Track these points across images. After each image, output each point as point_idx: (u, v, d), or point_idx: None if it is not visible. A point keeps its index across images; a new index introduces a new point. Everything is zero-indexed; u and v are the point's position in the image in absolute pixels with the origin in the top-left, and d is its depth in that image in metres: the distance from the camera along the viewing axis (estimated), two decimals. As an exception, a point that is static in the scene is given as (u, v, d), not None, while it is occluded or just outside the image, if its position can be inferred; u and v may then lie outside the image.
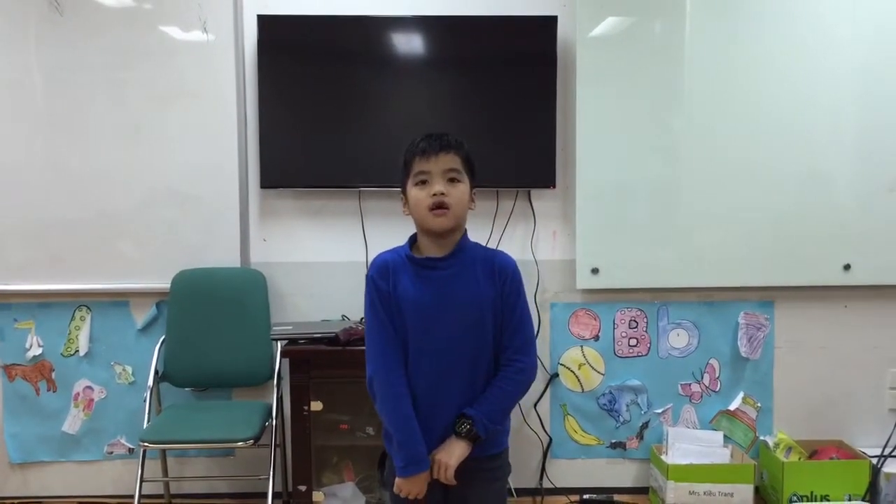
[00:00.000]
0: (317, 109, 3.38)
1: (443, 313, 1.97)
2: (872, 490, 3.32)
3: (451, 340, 1.98)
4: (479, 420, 1.96)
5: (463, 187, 1.98)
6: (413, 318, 1.98)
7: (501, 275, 2.02)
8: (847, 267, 3.44)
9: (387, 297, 1.99)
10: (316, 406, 3.03)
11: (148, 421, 3.20)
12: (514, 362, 2.02)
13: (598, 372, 3.57)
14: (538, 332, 3.51)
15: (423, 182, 1.95)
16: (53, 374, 3.52)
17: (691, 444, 3.42)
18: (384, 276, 2.01)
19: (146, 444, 2.97)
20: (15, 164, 3.38)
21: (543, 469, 3.58)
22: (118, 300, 3.49)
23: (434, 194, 1.92)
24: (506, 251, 3.36)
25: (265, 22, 3.35)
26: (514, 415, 3.50)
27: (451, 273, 1.99)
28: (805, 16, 3.37)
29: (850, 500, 3.29)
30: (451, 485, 1.95)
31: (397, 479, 1.97)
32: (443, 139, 1.96)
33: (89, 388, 3.53)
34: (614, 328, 3.56)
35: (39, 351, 3.50)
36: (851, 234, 3.42)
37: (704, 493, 3.28)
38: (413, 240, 2.07)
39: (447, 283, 1.98)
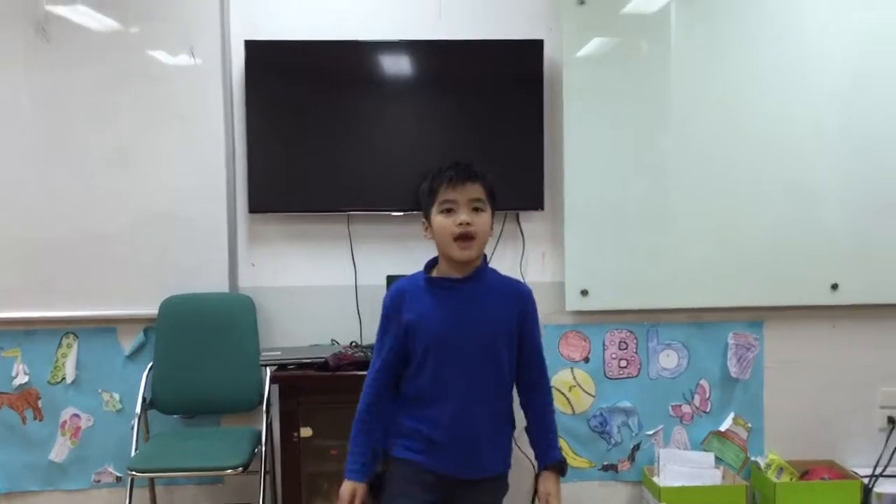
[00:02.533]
0: (305, 134, 3.38)
1: (465, 333, 2.04)
2: (864, 510, 3.33)
3: (475, 359, 2.05)
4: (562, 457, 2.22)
5: (486, 216, 2.05)
6: (434, 339, 2.04)
7: (522, 302, 2.12)
8: (835, 286, 3.45)
9: (395, 324, 2.10)
10: (306, 432, 3.01)
11: (136, 449, 3.16)
12: (541, 386, 2.22)
13: (589, 394, 3.56)
14: (528, 354, 3.51)
15: (450, 210, 2.01)
16: (40, 402, 3.48)
17: (683, 466, 3.41)
18: (395, 305, 2.11)
19: (134, 472, 2.95)
20: (2, 189, 3.36)
21: (536, 493, 3.55)
22: (105, 327, 3.47)
23: (460, 223, 1.98)
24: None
25: (252, 47, 3.35)
26: (506, 438, 3.50)
27: (471, 294, 2.07)
28: (790, 35, 3.40)
29: (842, 520, 3.30)
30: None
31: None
32: (469, 169, 2.04)
33: (76, 415, 3.49)
34: (604, 350, 3.56)
35: (26, 379, 3.47)
36: (839, 254, 3.44)
37: (697, 515, 3.28)
38: (430, 264, 2.14)
39: (468, 304, 2.06)
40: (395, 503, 2.15)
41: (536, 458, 2.23)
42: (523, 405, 2.22)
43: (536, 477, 2.24)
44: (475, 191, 2.03)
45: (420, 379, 2.08)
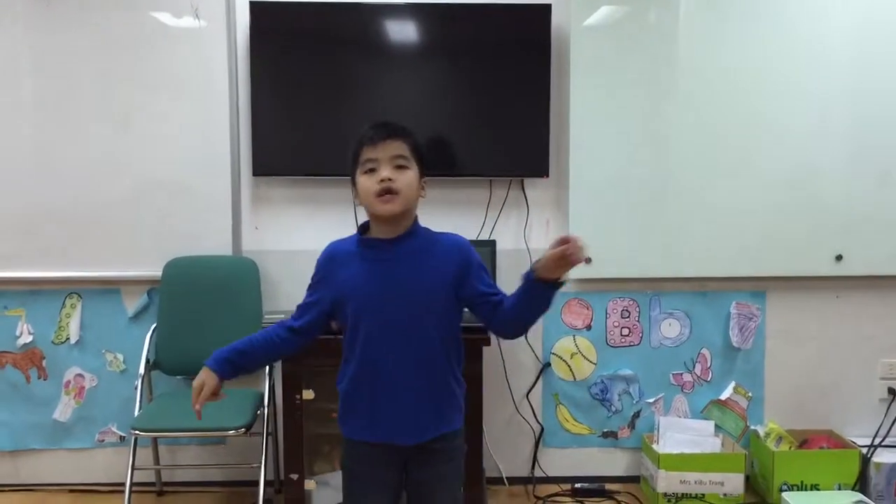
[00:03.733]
0: (309, 97, 3.36)
1: (399, 296, 1.97)
2: (862, 479, 3.34)
3: (412, 321, 1.98)
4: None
5: (411, 174, 1.96)
6: (365, 304, 1.99)
7: (460, 251, 2.04)
8: (839, 258, 3.44)
9: (323, 289, 2.07)
10: (308, 395, 3.03)
11: (139, 409, 3.19)
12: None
13: (590, 361, 3.57)
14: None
15: (371, 170, 1.94)
16: (44, 362, 3.51)
17: (682, 434, 3.43)
18: (327, 267, 2.08)
19: (137, 432, 2.97)
20: (4, 152, 3.36)
21: (535, 458, 3.58)
22: (109, 288, 3.48)
23: (381, 180, 1.92)
24: (500, 240, 3.41)
25: (258, 9, 3.33)
26: (506, 403, 3.53)
27: (404, 255, 2.00)
28: (798, 6, 3.37)
29: (840, 489, 3.31)
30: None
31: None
32: (389, 126, 1.97)
33: (80, 375, 3.52)
34: (606, 318, 3.57)
35: (30, 338, 3.49)
36: (843, 225, 3.43)
37: (695, 482, 3.29)
38: (365, 227, 2.08)
39: (400, 266, 1.99)
40: (353, 486, 2.12)
41: (526, 278, 1.97)
42: (506, 312, 2.00)
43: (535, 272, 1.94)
44: (397, 147, 1.95)
45: (355, 348, 2.02)
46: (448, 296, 2.02)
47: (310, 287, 2.11)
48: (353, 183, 2.01)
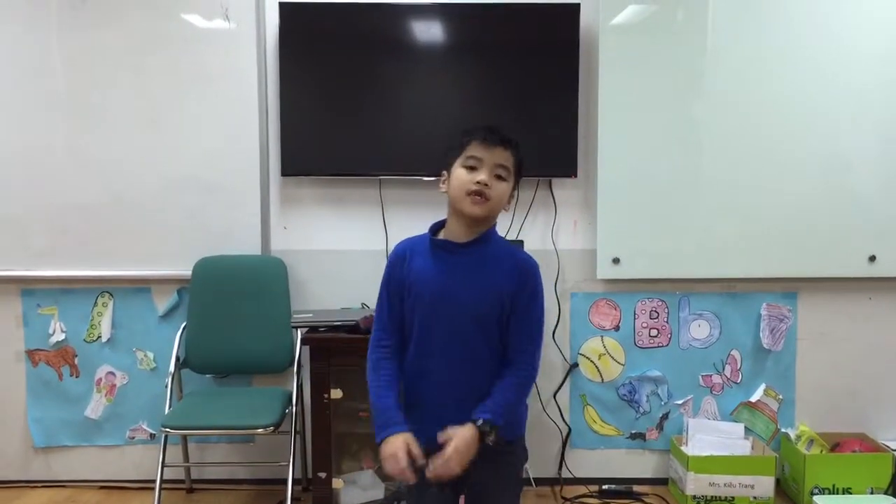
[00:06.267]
0: (338, 98, 3.38)
1: (455, 297, 1.99)
2: (895, 483, 3.29)
3: (468, 326, 1.99)
4: (495, 415, 1.96)
5: (505, 186, 2.00)
6: (424, 298, 2.01)
7: (523, 274, 2.04)
8: (872, 258, 3.40)
9: (396, 281, 2.05)
10: (336, 394, 3.04)
11: (169, 407, 3.21)
12: (514, 364, 2.03)
13: (619, 362, 3.55)
14: (558, 321, 3.51)
15: (472, 167, 1.96)
16: (76, 360, 3.55)
17: (712, 436, 3.40)
18: (399, 262, 2.07)
19: (168, 429, 2.99)
20: (37, 151, 3.41)
21: (563, 459, 3.57)
22: (140, 287, 3.52)
23: (479, 181, 1.94)
24: (527, 240, 3.40)
25: (287, 10, 3.35)
26: (534, 404, 3.52)
27: (470, 260, 2.02)
28: (829, 3, 3.33)
29: (872, 493, 3.27)
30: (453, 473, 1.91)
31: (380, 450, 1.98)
32: (504, 135, 2.00)
33: (111, 373, 3.55)
34: (635, 318, 3.55)
35: (62, 336, 3.53)
36: (877, 226, 3.39)
37: (725, 485, 3.27)
38: (437, 226, 2.09)
39: (467, 269, 2.01)
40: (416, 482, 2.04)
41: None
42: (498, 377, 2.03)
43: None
44: (503, 157, 1.98)
45: (412, 344, 2.04)
46: (503, 312, 2.01)
47: (382, 291, 2.09)
48: (447, 169, 2.03)
